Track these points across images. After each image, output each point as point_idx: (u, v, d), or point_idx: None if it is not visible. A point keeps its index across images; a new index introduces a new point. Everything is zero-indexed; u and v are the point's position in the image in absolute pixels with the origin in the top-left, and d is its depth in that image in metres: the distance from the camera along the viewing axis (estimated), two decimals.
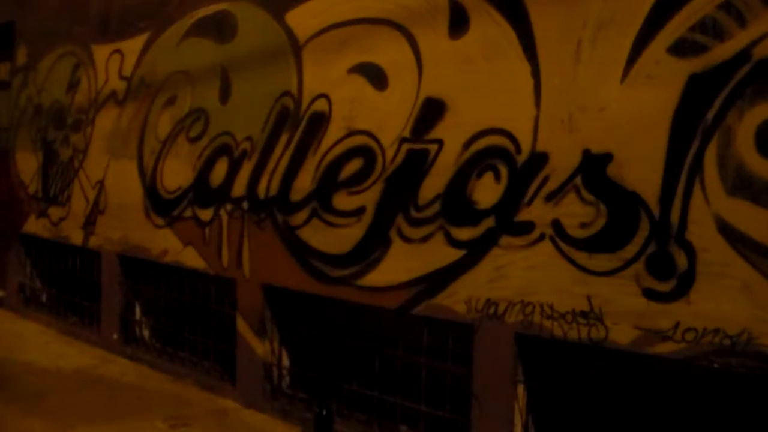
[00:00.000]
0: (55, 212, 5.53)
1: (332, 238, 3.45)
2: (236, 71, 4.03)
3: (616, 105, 2.50)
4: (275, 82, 3.76)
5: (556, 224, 2.65)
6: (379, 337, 3.43)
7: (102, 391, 4.11)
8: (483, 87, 2.88)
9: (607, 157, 2.52)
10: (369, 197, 3.29)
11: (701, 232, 2.31)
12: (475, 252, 2.89)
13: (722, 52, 2.28)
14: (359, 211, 3.33)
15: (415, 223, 3.10)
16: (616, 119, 2.50)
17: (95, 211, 5.08)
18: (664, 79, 2.40)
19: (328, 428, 3.35)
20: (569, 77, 2.62)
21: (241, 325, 3.95)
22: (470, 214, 2.91)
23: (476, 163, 2.90)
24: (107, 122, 4.99)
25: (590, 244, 2.56)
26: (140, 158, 4.68)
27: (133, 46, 4.76)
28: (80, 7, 5.29)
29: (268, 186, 3.78)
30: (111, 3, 5.01)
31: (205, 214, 4.15)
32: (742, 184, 2.23)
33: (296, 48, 3.66)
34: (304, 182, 3.58)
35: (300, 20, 3.65)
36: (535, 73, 2.72)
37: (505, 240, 2.80)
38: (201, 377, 4.25)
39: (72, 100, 5.40)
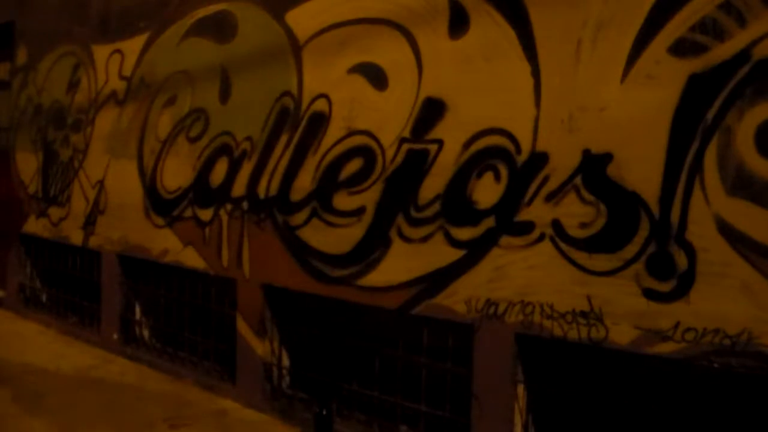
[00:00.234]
0: (55, 212, 5.53)
1: (332, 238, 3.45)
2: (236, 71, 4.03)
3: (616, 105, 2.50)
4: (275, 82, 3.76)
5: (556, 224, 2.65)
6: (379, 337, 3.43)
7: (102, 391, 4.10)
8: (483, 87, 2.88)
9: (607, 157, 2.52)
10: (369, 197, 3.29)
11: (701, 232, 2.31)
12: (475, 252, 2.89)
13: (722, 52, 2.28)
14: (359, 211, 3.33)
15: (415, 223, 3.10)
16: (616, 119, 2.50)
17: (95, 211, 5.08)
18: (664, 79, 2.40)
19: (328, 428, 3.35)
20: (569, 77, 2.62)
21: (241, 325, 3.95)
22: (470, 214, 2.91)
23: (476, 163, 2.90)
24: (107, 122, 4.99)
25: (590, 244, 2.56)
26: (140, 158, 4.68)
27: (133, 46, 4.76)
28: (80, 7, 5.28)
29: (268, 186, 3.78)
30: (111, 3, 5.00)
31: (205, 214, 4.15)
32: (742, 184, 2.23)
33: (296, 48, 3.66)
34: (304, 182, 3.59)
35: (300, 20, 3.65)
36: (535, 73, 2.72)
37: (505, 240, 2.80)
38: (201, 377, 4.25)
39: (72, 100, 5.40)
